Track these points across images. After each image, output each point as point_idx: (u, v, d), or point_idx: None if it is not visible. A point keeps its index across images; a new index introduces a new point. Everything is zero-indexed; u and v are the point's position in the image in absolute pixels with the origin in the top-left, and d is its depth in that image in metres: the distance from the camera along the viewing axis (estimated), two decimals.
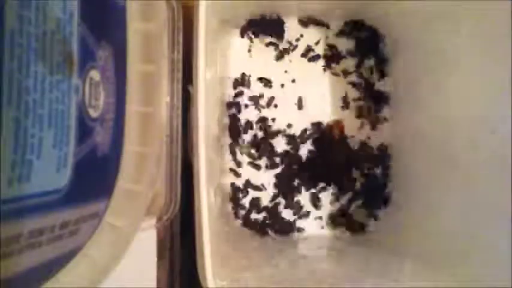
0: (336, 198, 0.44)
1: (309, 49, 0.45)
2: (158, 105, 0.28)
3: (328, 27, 0.45)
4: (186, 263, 0.36)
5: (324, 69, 0.45)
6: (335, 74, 0.45)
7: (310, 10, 0.44)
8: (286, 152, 0.44)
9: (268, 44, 0.45)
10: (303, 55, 0.45)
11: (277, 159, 0.44)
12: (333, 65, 0.45)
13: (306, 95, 0.44)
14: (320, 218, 0.44)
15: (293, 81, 0.44)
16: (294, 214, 0.44)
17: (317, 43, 0.45)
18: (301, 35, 0.45)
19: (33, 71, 0.16)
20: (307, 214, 0.44)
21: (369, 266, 0.37)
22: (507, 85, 0.28)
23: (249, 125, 0.44)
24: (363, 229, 0.44)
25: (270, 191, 0.44)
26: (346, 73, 0.45)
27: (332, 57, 0.45)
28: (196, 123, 0.28)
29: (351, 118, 0.45)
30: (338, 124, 0.44)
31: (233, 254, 0.37)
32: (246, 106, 0.44)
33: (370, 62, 0.45)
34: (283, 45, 0.45)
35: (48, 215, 0.19)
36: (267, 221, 0.43)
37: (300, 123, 0.44)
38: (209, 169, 0.28)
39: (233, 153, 0.43)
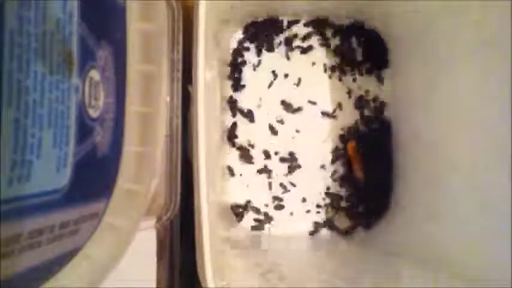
0: (338, 199, 0.44)
1: (309, 50, 0.45)
2: (158, 105, 0.28)
3: (328, 28, 0.45)
4: (186, 263, 0.36)
5: (323, 71, 0.45)
6: (334, 75, 0.45)
7: (311, 11, 0.44)
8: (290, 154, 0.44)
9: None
10: (303, 55, 0.45)
11: (274, 159, 0.44)
12: (333, 67, 0.45)
13: (305, 97, 0.45)
14: (320, 218, 0.44)
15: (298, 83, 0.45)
16: (294, 213, 0.44)
17: (318, 45, 0.45)
18: (302, 36, 0.45)
19: (33, 71, 0.16)
20: (308, 214, 0.44)
21: (369, 266, 0.37)
22: (507, 85, 0.28)
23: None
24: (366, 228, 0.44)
25: (270, 190, 0.44)
26: (344, 74, 0.45)
27: (332, 58, 0.45)
28: (196, 123, 0.28)
29: (349, 119, 0.45)
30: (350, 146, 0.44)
31: (233, 254, 0.37)
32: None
33: (370, 62, 0.45)
34: (283, 46, 0.45)
35: (48, 215, 0.19)
36: (267, 221, 0.43)
37: (303, 126, 0.45)
38: (209, 169, 0.28)
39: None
